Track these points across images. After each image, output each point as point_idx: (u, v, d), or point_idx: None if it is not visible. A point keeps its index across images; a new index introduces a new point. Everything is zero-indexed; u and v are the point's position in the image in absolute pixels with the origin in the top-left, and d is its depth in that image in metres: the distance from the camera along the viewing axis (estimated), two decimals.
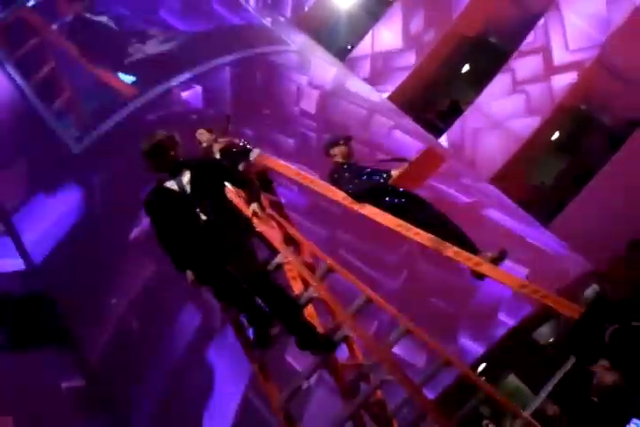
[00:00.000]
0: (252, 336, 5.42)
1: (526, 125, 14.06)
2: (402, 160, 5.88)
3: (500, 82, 14.57)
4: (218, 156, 6.39)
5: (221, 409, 9.68)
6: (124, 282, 10.72)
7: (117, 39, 13.12)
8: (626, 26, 13.40)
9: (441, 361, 5.10)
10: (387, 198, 5.57)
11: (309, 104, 12.31)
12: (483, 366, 10.03)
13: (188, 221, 5.09)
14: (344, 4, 16.31)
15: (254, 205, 5.26)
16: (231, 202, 5.37)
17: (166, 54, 12.73)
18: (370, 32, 16.03)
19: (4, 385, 9.74)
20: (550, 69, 14.29)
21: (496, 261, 5.10)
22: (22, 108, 12.65)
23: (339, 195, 5.74)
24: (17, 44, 13.25)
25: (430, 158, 5.79)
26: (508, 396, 8.52)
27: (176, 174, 5.12)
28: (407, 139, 12.16)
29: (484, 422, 8.13)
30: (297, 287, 5.65)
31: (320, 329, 5.36)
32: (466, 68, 15.96)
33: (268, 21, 14.39)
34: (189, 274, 5.13)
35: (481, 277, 5.15)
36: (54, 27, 13.55)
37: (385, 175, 5.74)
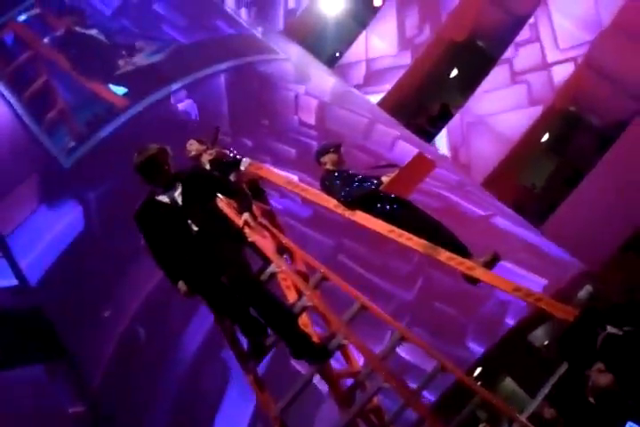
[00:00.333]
0: (246, 347, 5.42)
1: (516, 127, 14.07)
2: (392, 166, 5.90)
3: (489, 83, 14.59)
4: (208, 166, 6.39)
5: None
6: (124, 297, 10.66)
7: (107, 52, 13.13)
8: (614, 27, 13.43)
9: (438, 366, 5.12)
10: (378, 205, 5.59)
11: (308, 113, 12.30)
12: (479, 370, 10.02)
13: (180, 233, 5.09)
14: (331, 12, 16.33)
15: (246, 215, 5.24)
16: (223, 212, 5.38)
17: (156, 65, 12.75)
18: (358, 39, 16.04)
19: None
20: (540, 70, 14.32)
21: (489, 264, 5.12)
22: (13, 126, 12.65)
23: (331, 202, 5.76)
24: (8, 59, 13.28)
25: (420, 164, 5.80)
26: (505, 399, 8.52)
27: (169, 188, 5.13)
28: (408, 147, 12.09)
29: (481, 425, 8.12)
30: (291, 297, 5.64)
31: (314, 338, 5.36)
32: (454, 72, 15.99)
33: (259, 32, 14.42)
34: (182, 285, 5.13)
35: (474, 281, 5.17)
36: (45, 40, 13.58)
37: (376, 182, 5.75)
